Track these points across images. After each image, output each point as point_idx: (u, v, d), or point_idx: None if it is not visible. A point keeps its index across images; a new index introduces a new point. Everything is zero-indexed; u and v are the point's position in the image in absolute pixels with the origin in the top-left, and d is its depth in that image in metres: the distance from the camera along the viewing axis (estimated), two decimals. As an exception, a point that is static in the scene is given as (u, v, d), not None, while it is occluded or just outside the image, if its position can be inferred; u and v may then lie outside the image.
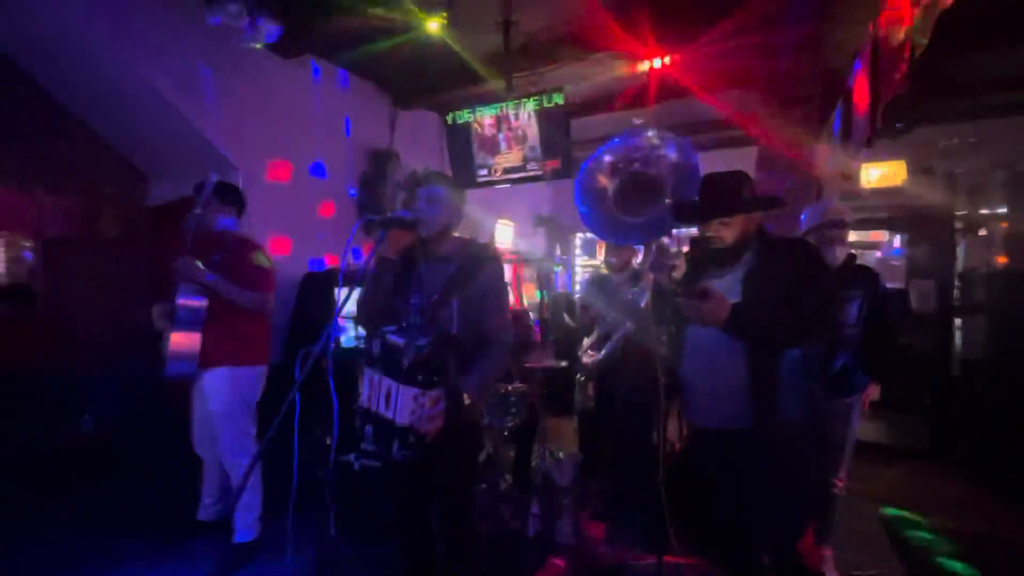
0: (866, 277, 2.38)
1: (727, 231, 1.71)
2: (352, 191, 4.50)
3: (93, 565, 2.37)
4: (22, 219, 3.42)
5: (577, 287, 7.03)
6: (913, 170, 4.43)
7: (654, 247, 2.19)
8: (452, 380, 1.57)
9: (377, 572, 2.27)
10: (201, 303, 2.22)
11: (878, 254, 5.29)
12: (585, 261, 7.56)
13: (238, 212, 2.52)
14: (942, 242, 4.30)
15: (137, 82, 3.08)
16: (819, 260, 1.77)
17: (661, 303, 1.79)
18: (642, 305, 2.05)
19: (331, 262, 4.21)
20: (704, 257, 1.79)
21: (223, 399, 2.32)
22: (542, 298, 5.64)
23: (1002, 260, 4.30)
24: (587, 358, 2.82)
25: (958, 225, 4.35)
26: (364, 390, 1.75)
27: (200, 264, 2.22)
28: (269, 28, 2.55)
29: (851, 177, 4.31)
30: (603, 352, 2.71)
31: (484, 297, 1.72)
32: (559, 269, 6.78)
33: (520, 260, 5.94)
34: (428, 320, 1.70)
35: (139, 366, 3.69)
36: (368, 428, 1.70)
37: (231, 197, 2.47)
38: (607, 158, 2.51)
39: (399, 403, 1.59)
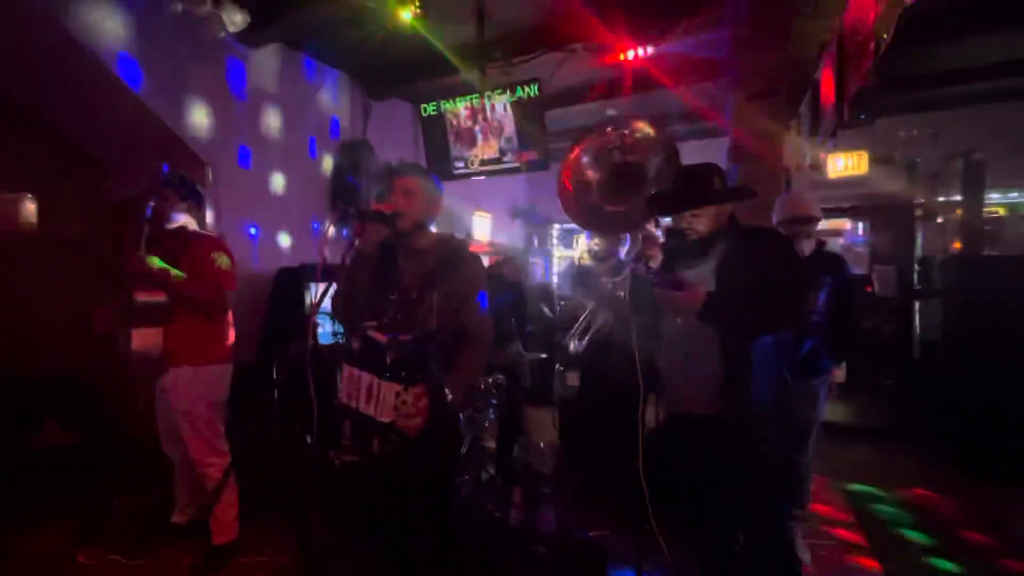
0: (833, 264, 2.47)
1: (700, 221, 1.76)
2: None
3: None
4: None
5: (555, 278, 7.07)
6: (875, 160, 4.59)
7: (640, 236, 2.22)
8: (435, 376, 1.56)
9: (360, 567, 2.26)
10: (160, 297, 2.16)
11: (841, 240, 5.49)
12: (561, 252, 7.62)
13: (196, 206, 2.43)
14: (902, 229, 4.48)
15: (94, 69, 2.94)
16: (789, 249, 1.83)
17: (638, 293, 1.83)
18: (621, 295, 2.08)
19: (303, 257, 4.13)
20: (678, 247, 1.83)
21: (187, 399, 2.27)
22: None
23: (957, 246, 4.52)
24: (572, 346, 2.85)
25: (918, 213, 4.53)
26: (343, 386, 1.73)
27: (156, 259, 2.14)
28: (234, 17, 2.45)
29: (819, 167, 4.45)
30: (585, 340, 2.75)
31: (463, 292, 1.72)
32: (536, 260, 6.80)
33: (497, 252, 5.94)
34: (408, 315, 1.69)
35: (105, 368, 3.57)
36: (346, 423, 1.68)
37: (188, 191, 2.38)
38: (584, 158, 2.53)
39: (381, 399, 1.58)
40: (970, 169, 4.19)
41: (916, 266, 4.40)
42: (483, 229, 6.17)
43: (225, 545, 2.34)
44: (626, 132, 2.47)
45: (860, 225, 5.47)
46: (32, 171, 3.50)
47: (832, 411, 3.10)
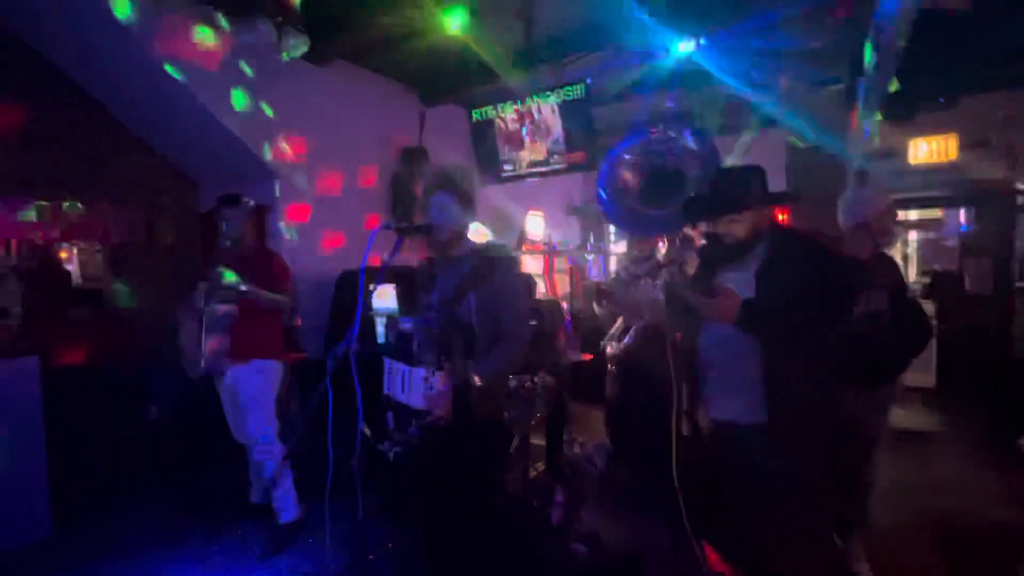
0: (888, 266, 2.31)
1: (738, 227, 1.70)
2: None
3: (159, 541, 2.65)
4: (92, 230, 3.77)
5: (611, 276, 6.99)
6: (967, 144, 4.13)
7: (678, 238, 2.19)
8: (460, 361, 1.64)
9: (405, 553, 2.42)
10: (233, 309, 2.46)
11: (932, 235, 4.99)
12: (621, 249, 7.49)
13: (261, 225, 2.75)
14: (1001, 219, 4.01)
15: (186, 99, 3.32)
16: (832, 254, 1.74)
17: (673, 299, 1.81)
18: (660, 298, 2.07)
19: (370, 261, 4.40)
20: (716, 253, 1.79)
21: (253, 388, 2.56)
22: (573, 288, 5.66)
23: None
24: (610, 348, 2.86)
25: (1020, 200, 4.04)
26: (385, 378, 1.87)
27: (231, 274, 2.43)
28: (297, 42, 2.68)
29: (892, 152, 4.06)
30: (623, 343, 2.74)
31: (499, 294, 1.77)
32: (591, 258, 6.75)
33: (552, 250, 5.96)
34: (446, 315, 1.78)
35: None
36: (389, 414, 1.82)
37: (258, 214, 2.70)
38: (627, 156, 2.53)
39: (412, 386, 1.70)
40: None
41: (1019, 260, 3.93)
42: (537, 228, 6.20)
43: (290, 523, 2.60)
44: (666, 136, 2.45)
45: (963, 213, 4.91)
46: (141, 189, 4.01)
47: (920, 419, 2.84)
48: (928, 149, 4.08)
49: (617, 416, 3.02)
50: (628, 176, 2.51)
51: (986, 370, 4.12)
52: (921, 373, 4.46)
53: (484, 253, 1.85)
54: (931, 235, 5.00)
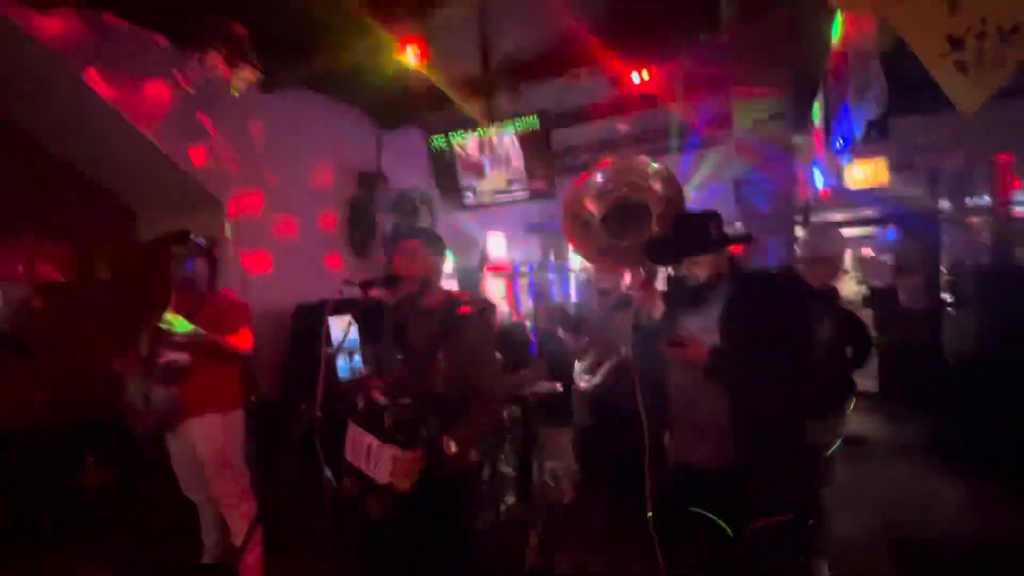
0: (834, 294, 2.44)
1: (700, 268, 1.76)
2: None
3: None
4: (14, 267, 3.45)
5: (572, 294, 7.06)
6: (894, 167, 4.45)
7: (642, 270, 2.21)
8: (433, 439, 1.59)
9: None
10: (183, 358, 2.28)
11: (869, 252, 5.34)
12: (581, 264, 7.59)
13: (214, 263, 2.57)
14: (927, 238, 4.33)
15: (119, 123, 3.11)
16: (794, 294, 1.81)
17: (643, 345, 1.83)
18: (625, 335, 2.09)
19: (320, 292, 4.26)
20: (680, 294, 1.83)
21: (217, 446, 2.36)
22: (536, 309, 5.67)
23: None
24: (583, 383, 2.85)
25: (942, 219, 4.39)
26: (348, 443, 1.77)
27: (182, 321, 2.26)
28: (247, 75, 2.57)
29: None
30: (598, 378, 2.75)
31: (471, 351, 1.73)
32: (553, 277, 6.81)
33: (514, 273, 5.97)
34: (414, 375, 1.72)
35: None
36: (349, 482, 1.72)
37: (209, 253, 2.52)
38: (599, 178, 2.56)
39: (379, 462, 1.62)
40: (997, 172, 4.03)
41: (946, 275, 4.25)
42: (498, 249, 6.21)
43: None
44: (629, 167, 2.49)
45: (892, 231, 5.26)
46: (71, 219, 3.70)
47: (866, 426, 2.97)
48: (863, 173, 4.38)
49: (585, 444, 3.02)
50: (590, 206, 2.55)
51: (921, 377, 4.43)
52: (867, 379, 4.74)
53: (456, 304, 1.80)
54: (868, 254, 5.35)
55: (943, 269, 4.23)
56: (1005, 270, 3.84)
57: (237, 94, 2.65)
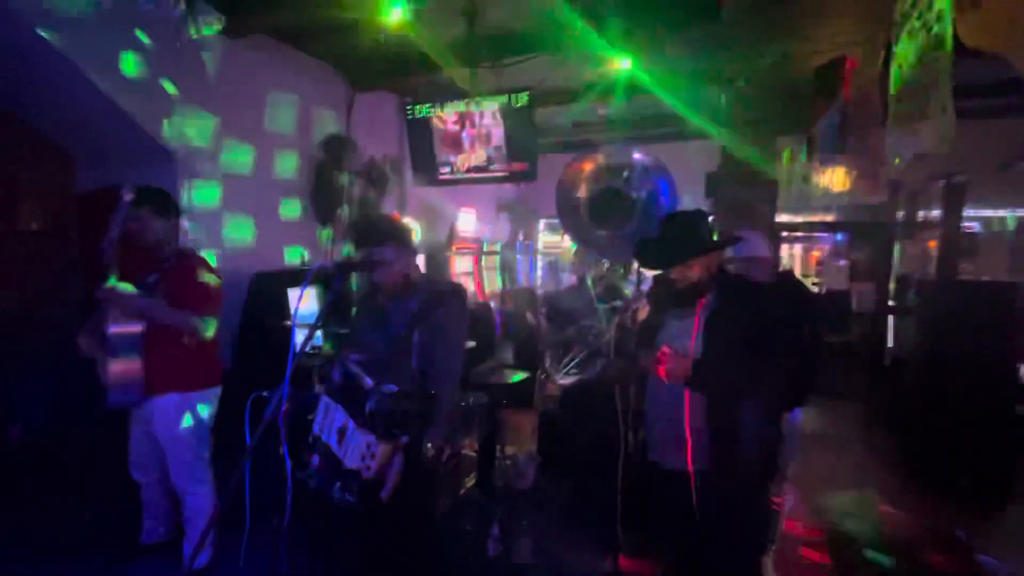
0: (796, 285, 2.51)
1: (688, 271, 1.74)
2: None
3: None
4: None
5: (539, 275, 7.04)
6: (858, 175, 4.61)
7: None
8: (414, 435, 1.54)
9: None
10: (135, 328, 2.07)
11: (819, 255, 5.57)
12: (548, 241, 7.57)
13: (175, 220, 2.31)
14: (881, 247, 4.55)
15: (56, 59, 2.75)
16: (778, 303, 1.82)
17: (625, 345, 1.81)
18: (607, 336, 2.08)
19: (280, 259, 4.02)
20: (666, 296, 1.81)
21: (174, 427, 2.19)
22: (503, 287, 5.62)
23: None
24: (567, 380, 2.82)
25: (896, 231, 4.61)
26: (318, 416, 1.70)
27: (129, 288, 2.04)
28: (209, 18, 2.31)
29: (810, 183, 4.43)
30: (585, 375, 2.72)
31: (441, 330, 1.74)
32: (520, 256, 6.74)
33: (481, 250, 5.87)
34: (392, 353, 1.67)
35: (74, 368, 3.45)
36: (315, 458, 1.64)
37: (164, 204, 2.26)
38: (601, 159, 2.52)
39: (351, 445, 1.54)
40: (951, 191, 4.24)
41: (894, 284, 4.48)
42: (468, 225, 6.08)
43: (202, 569, 2.30)
44: (619, 160, 2.45)
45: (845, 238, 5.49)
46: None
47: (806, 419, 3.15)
48: (827, 179, 4.51)
49: (554, 427, 3.03)
50: (582, 190, 2.52)
51: (865, 376, 4.72)
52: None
53: (432, 287, 1.76)
54: (826, 258, 5.58)
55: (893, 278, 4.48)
56: (947, 285, 4.09)
57: (195, 36, 2.36)
